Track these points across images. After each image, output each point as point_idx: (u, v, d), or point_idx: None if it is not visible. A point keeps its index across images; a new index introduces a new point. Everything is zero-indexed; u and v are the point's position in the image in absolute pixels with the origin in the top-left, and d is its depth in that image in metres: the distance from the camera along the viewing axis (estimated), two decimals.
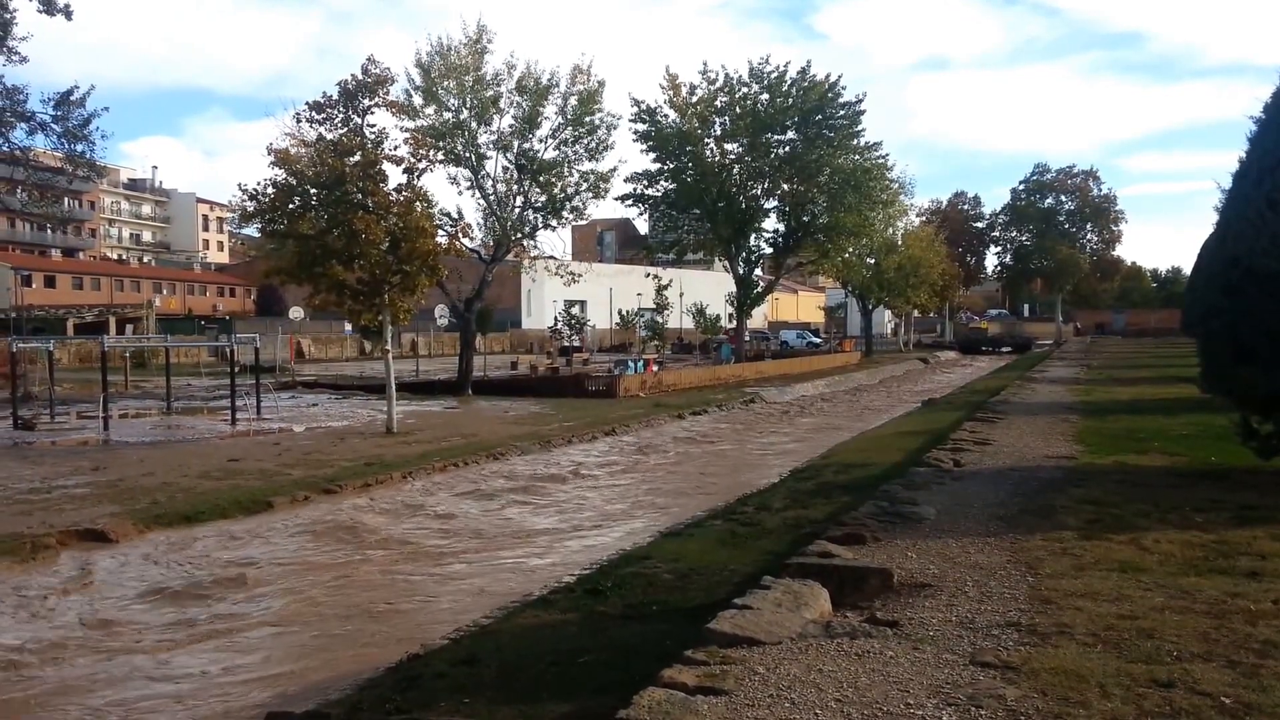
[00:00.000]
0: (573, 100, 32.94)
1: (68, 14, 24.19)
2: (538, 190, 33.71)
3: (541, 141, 33.32)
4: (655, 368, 39.38)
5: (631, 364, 39.95)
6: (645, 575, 9.21)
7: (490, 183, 33.69)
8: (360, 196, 21.09)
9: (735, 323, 52.56)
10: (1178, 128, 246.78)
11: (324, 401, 30.68)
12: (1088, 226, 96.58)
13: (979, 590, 7.01)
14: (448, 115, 32.14)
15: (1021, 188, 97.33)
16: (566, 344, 54.09)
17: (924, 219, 77.62)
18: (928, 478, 12.27)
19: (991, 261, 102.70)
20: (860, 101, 43.76)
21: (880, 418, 27.98)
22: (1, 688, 7.78)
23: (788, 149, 43.72)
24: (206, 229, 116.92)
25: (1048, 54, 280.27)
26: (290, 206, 21.62)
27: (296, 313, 47.41)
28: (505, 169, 33.65)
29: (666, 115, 42.51)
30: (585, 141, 33.52)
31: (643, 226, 66.41)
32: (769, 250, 48.38)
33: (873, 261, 58.70)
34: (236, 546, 12.10)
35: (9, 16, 23.93)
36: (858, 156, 44.53)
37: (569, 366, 41.72)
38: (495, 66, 32.45)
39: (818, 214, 45.28)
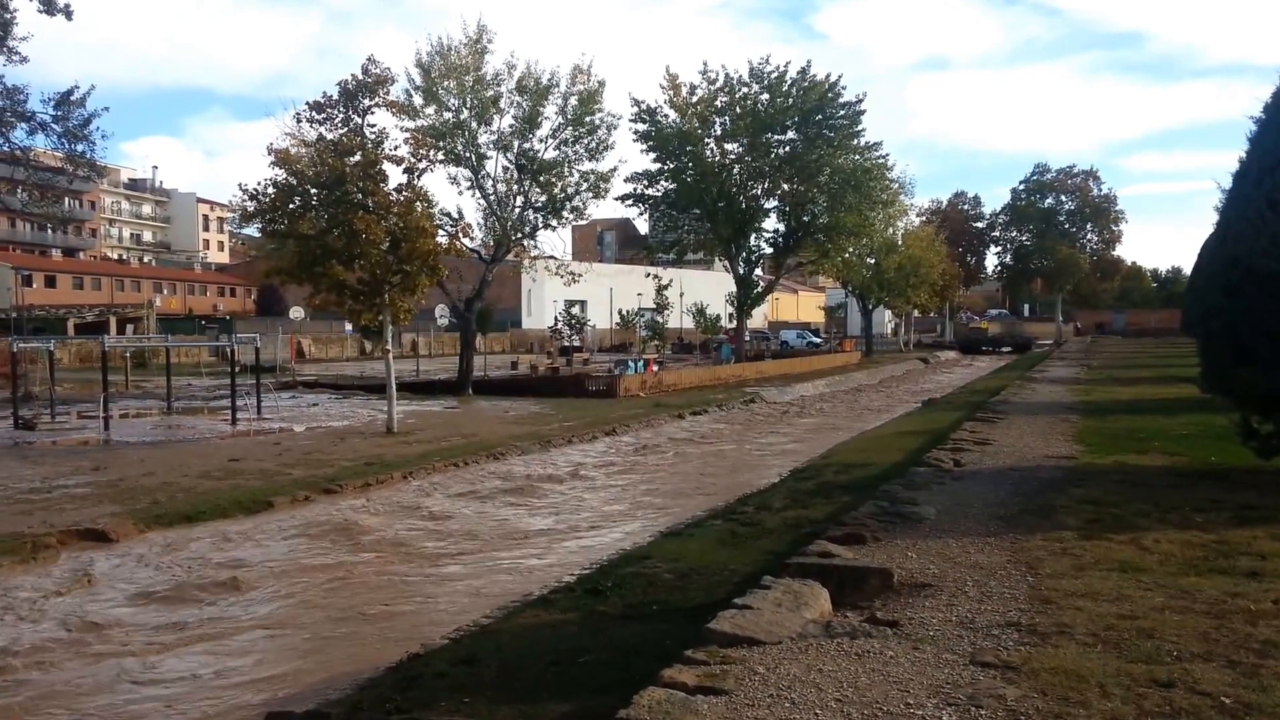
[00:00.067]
0: (573, 100, 32.96)
1: (68, 14, 24.21)
2: (538, 190, 33.72)
3: (542, 141, 33.38)
4: (655, 368, 39.37)
5: (631, 364, 39.94)
6: (645, 575, 9.21)
7: (490, 183, 33.72)
8: (360, 196, 21.09)
9: (735, 323, 52.55)
10: (1178, 128, 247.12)
11: (324, 401, 30.68)
12: (1088, 226, 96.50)
13: (979, 590, 7.01)
14: (448, 115, 32.15)
15: (1021, 188, 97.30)
16: (567, 344, 54.06)
17: (924, 219, 77.58)
18: (928, 478, 12.27)
19: (991, 261, 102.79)
20: (860, 101, 43.82)
21: (880, 418, 27.98)
22: None
23: (788, 149, 43.72)
24: (207, 229, 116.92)
25: (1048, 54, 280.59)
26: (290, 206, 21.63)
27: (297, 313, 47.39)
28: (505, 169, 33.70)
29: (666, 115, 42.52)
30: (585, 141, 33.55)
31: (643, 226, 66.45)
32: (769, 250, 48.38)
33: (873, 261, 58.69)
34: (237, 547, 12.10)
35: (9, 16, 23.94)
36: (858, 156, 44.52)
37: (569, 366, 41.72)
38: (495, 66, 32.53)
39: (818, 214, 45.27)
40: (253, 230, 37.39)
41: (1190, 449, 14.35)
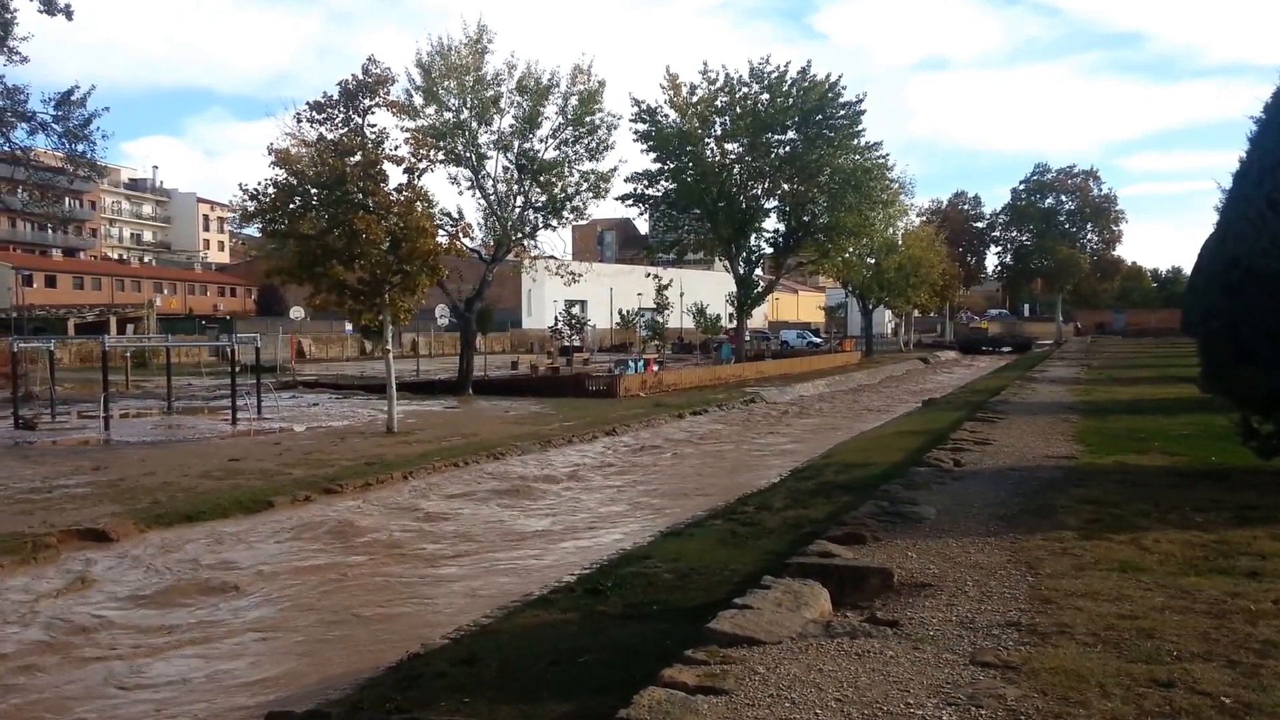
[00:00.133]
0: (573, 100, 32.96)
1: (68, 14, 24.20)
2: (538, 190, 33.72)
3: (542, 141, 33.38)
4: (655, 367, 39.38)
5: (632, 364, 39.95)
6: (645, 575, 9.21)
7: (490, 183, 33.73)
8: (361, 196, 21.10)
9: (735, 322, 52.56)
10: (1178, 128, 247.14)
11: (324, 401, 30.69)
12: (1088, 226, 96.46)
13: (979, 590, 7.02)
14: (448, 115, 32.15)
15: (1021, 188, 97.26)
16: (567, 344, 54.07)
17: (924, 219, 77.56)
18: (928, 477, 12.27)
19: (992, 261, 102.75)
20: (860, 101, 43.84)
21: (880, 417, 27.98)
22: None
23: (788, 149, 43.73)
24: (207, 229, 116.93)
25: (1048, 54, 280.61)
26: (291, 206, 21.64)
27: (297, 312, 47.39)
28: (505, 169, 33.70)
29: (667, 115, 42.52)
30: (585, 141, 33.55)
31: (643, 226, 66.46)
32: (769, 250, 48.39)
33: (873, 261, 58.70)
34: (237, 547, 12.10)
35: (9, 16, 23.93)
36: (858, 156, 44.53)
37: (569, 366, 41.71)
38: (496, 66, 32.53)
39: (818, 214, 45.28)
40: (253, 230, 37.45)
41: (1190, 449, 14.35)
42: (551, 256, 38.53)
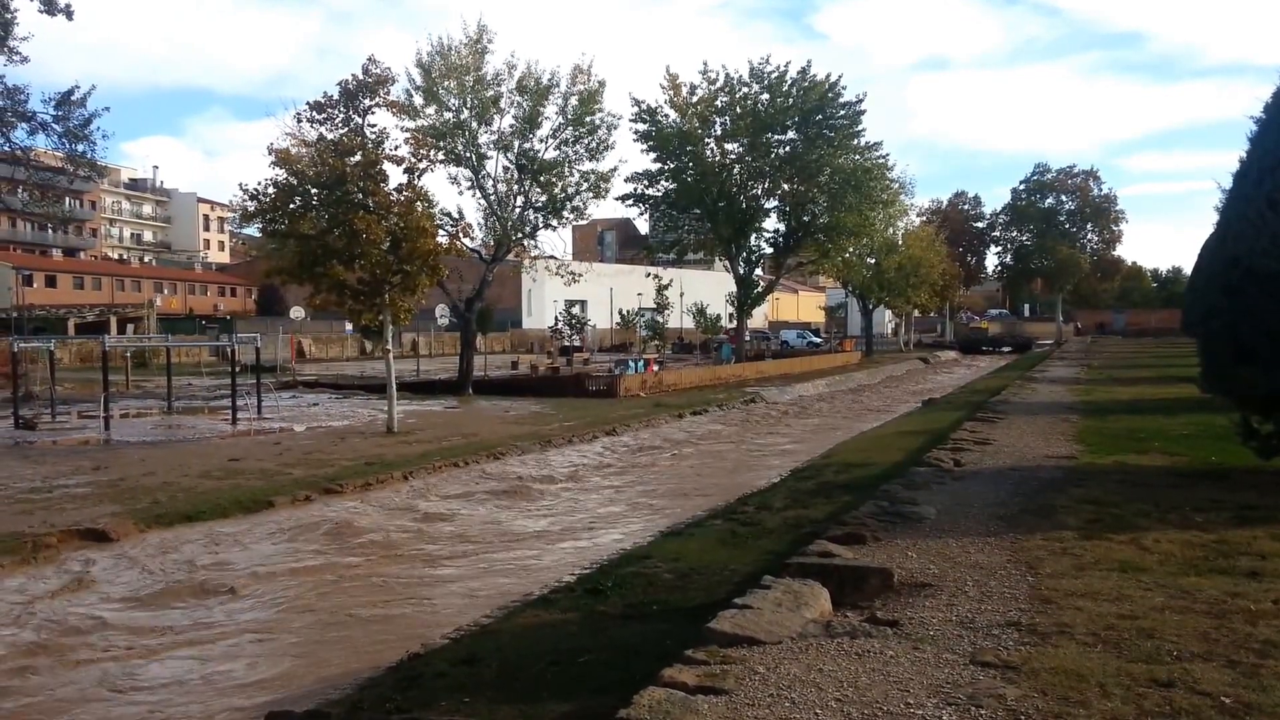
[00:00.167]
0: (573, 100, 32.95)
1: (68, 14, 24.19)
2: (538, 190, 33.72)
3: (542, 141, 33.37)
4: (656, 367, 39.37)
5: (632, 364, 39.95)
6: (645, 575, 9.21)
7: (491, 183, 33.72)
8: (361, 196, 21.10)
9: (736, 322, 52.56)
10: (1178, 128, 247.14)
11: (325, 401, 30.68)
12: (1088, 226, 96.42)
13: (979, 590, 7.01)
14: (448, 115, 32.15)
15: (1022, 188, 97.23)
16: (567, 344, 54.07)
17: (924, 219, 77.55)
18: (928, 477, 12.26)
19: (992, 261, 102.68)
20: (860, 101, 43.84)
21: (880, 417, 27.98)
22: None
23: (788, 149, 43.73)
24: (207, 229, 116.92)
25: (1048, 54, 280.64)
26: (291, 206, 21.64)
27: (297, 312, 47.38)
28: (506, 169, 33.69)
29: (667, 115, 42.51)
30: (586, 141, 33.54)
31: (643, 226, 66.44)
32: (769, 250, 48.40)
33: (873, 261, 58.69)
34: (238, 547, 12.10)
35: (10, 16, 23.92)
36: (858, 156, 44.53)
37: (569, 366, 41.71)
38: (496, 66, 32.52)
39: (818, 214, 45.28)
40: (253, 230, 37.48)
41: (1190, 449, 14.35)
42: (551, 256, 38.55)
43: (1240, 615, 6.27)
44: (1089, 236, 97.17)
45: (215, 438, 21.09)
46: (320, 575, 11.07)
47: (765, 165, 43.83)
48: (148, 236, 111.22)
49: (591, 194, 34.19)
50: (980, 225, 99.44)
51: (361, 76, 21.30)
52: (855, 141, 44.48)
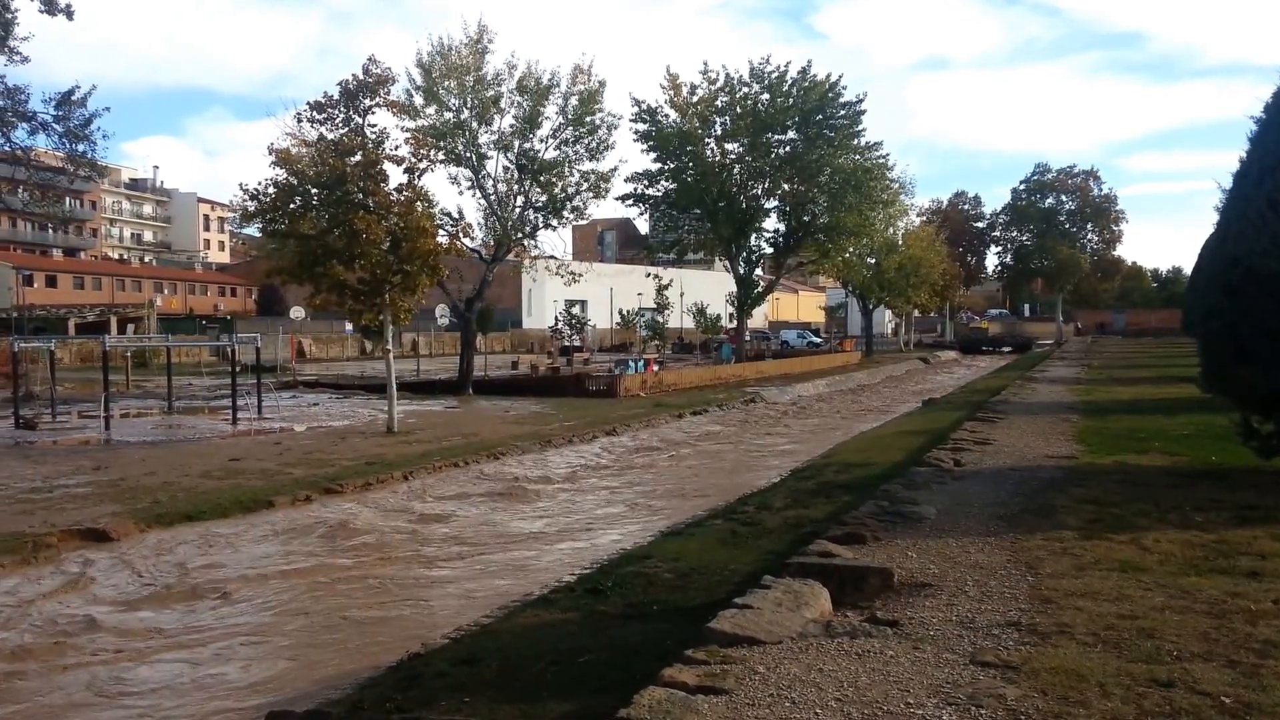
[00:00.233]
0: (573, 100, 32.96)
1: (69, 14, 24.20)
2: (538, 190, 33.72)
3: (542, 141, 33.38)
4: (656, 367, 39.38)
5: (632, 364, 39.96)
6: (646, 575, 9.21)
7: (491, 183, 33.73)
8: (361, 196, 21.10)
9: (736, 322, 52.56)
10: (1178, 128, 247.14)
11: (325, 401, 30.68)
12: (1088, 226, 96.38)
13: (979, 590, 7.02)
14: (448, 115, 32.15)
15: (1022, 188, 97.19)
16: (567, 344, 54.07)
17: (924, 219, 77.50)
18: (928, 477, 12.26)
19: (992, 261, 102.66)
20: (860, 101, 43.85)
21: (880, 417, 27.97)
22: None
23: (788, 149, 43.73)
24: (208, 229, 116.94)
25: (1048, 54, 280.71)
26: (291, 206, 21.64)
27: (297, 312, 47.36)
28: (506, 169, 33.70)
29: (667, 115, 42.52)
30: (586, 141, 33.55)
31: (643, 226, 66.43)
32: (769, 250, 48.39)
33: (873, 261, 58.68)
34: (239, 547, 12.10)
35: (10, 16, 23.93)
36: (858, 156, 44.53)
37: (569, 366, 41.71)
38: (496, 66, 32.54)
39: (818, 214, 45.29)
40: (253, 230, 37.43)
41: (1190, 449, 14.35)
42: (552, 256, 38.55)
43: (1240, 615, 6.27)
44: (1089, 236, 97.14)
45: (216, 437, 21.10)
46: (320, 575, 11.06)
47: (765, 165, 43.83)
48: (148, 236, 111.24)
49: (591, 194, 34.22)
50: (980, 225, 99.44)
51: (362, 76, 21.30)
52: (855, 141, 44.48)
